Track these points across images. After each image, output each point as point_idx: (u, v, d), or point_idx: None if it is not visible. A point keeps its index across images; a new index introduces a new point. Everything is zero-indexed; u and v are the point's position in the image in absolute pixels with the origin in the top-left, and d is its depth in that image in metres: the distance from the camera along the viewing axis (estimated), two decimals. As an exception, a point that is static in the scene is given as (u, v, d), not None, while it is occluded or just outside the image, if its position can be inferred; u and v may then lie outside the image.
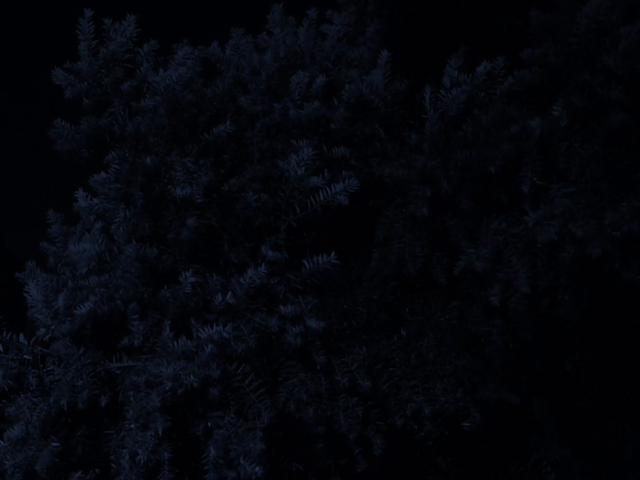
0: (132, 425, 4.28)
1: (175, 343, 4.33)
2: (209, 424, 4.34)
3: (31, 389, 4.45)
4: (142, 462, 4.22)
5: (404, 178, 4.71)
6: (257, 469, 4.18)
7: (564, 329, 4.63)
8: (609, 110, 4.27)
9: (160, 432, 4.21)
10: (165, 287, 4.55)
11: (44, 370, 4.55)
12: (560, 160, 4.39)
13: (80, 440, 4.49)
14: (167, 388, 4.20)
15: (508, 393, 4.89)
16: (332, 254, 4.64)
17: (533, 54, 4.44)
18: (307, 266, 4.64)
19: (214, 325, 4.38)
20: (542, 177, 4.40)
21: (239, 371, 4.43)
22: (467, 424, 4.76)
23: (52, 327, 4.49)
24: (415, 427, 4.80)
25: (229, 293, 4.50)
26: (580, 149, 4.36)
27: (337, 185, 4.65)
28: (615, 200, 4.23)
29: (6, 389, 4.47)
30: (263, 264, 4.54)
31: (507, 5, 4.92)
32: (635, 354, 4.82)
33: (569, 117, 4.34)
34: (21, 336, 4.57)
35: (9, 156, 8.22)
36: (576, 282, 4.37)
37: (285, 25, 5.23)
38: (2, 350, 4.50)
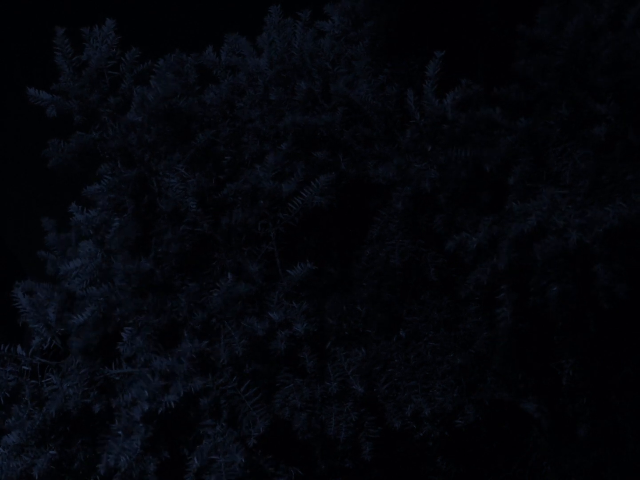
0: (120, 432, 4.33)
1: (155, 362, 4.38)
2: (201, 431, 4.39)
3: (25, 399, 4.51)
4: (123, 469, 4.28)
5: (394, 179, 4.74)
6: None
7: (555, 327, 4.64)
8: (597, 122, 4.28)
9: (140, 443, 4.26)
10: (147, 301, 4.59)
11: (42, 380, 4.61)
12: (553, 164, 4.41)
13: (81, 448, 4.55)
14: (145, 409, 4.25)
15: (507, 392, 4.91)
16: (307, 262, 4.67)
17: (524, 66, 4.46)
18: (292, 274, 4.67)
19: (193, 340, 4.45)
20: (533, 179, 4.42)
21: (234, 378, 4.47)
22: (460, 421, 4.78)
23: (49, 338, 4.54)
24: (415, 427, 4.81)
25: (201, 312, 4.54)
26: (574, 153, 4.37)
27: (309, 188, 4.68)
28: (604, 203, 4.24)
29: (2, 401, 4.52)
30: (229, 274, 4.56)
31: (507, 6, 4.93)
32: (632, 353, 4.82)
33: (560, 127, 4.36)
34: (19, 348, 4.63)
35: (13, 159, 8.26)
36: (563, 280, 4.39)
37: (283, 27, 5.20)
38: None
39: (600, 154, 4.35)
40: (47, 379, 4.59)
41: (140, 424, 4.28)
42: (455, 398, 4.83)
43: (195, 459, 4.32)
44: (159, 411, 4.28)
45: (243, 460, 4.26)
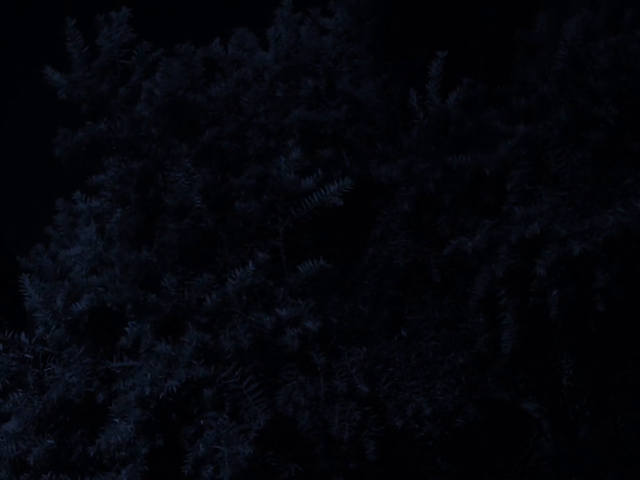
0: (117, 420, 4.32)
1: (158, 347, 4.37)
2: (202, 422, 4.38)
3: (30, 386, 4.48)
4: (113, 446, 4.27)
5: (397, 179, 4.75)
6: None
7: (556, 328, 4.65)
8: (596, 125, 4.33)
9: (132, 424, 4.25)
10: (149, 292, 4.56)
11: (44, 369, 4.58)
12: (552, 166, 4.44)
13: (80, 440, 4.52)
14: (147, 393, 4.25)
15: (507, 392, 4.91)
16: (321, 259, 4.64)
17: (524, 71, 4.51)
18: (301, 271, 4.65)
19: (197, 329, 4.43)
20: (533, 181, 4.45)
21: (236, 373, 4.45)
22: (461, 421, 4.79)
23: (53, 327, 4.51)
24: (416, 426, 4.81)
25: (215, 294, 4.52)
26: (573, 156, 4.40)
27: (331, 186, 4.65)
28: (604, 206, 4.26)
29: (1, 388, 4.49)
30: (250, 262, 4.53)
31: (507, 6, 4.96)
32: (631, 354, 4.83)
33: (560, 129, 4.40)
34: (22, 335, 4.60)
35: (13, 159, 8.25)
36: (564, 283, 4.41)
37: (291, 22, 5.20)
38: (1, 349, 4.53)
39: (600, 157, 4.38)
40: (49, 369, 4.56)
41: (136, 407, 4.26)
42: (456, 397, 4.83)
43: (200, 446, 4.28)
44: (161, 396, 4.26)
45: (251, 451, 4.24)
